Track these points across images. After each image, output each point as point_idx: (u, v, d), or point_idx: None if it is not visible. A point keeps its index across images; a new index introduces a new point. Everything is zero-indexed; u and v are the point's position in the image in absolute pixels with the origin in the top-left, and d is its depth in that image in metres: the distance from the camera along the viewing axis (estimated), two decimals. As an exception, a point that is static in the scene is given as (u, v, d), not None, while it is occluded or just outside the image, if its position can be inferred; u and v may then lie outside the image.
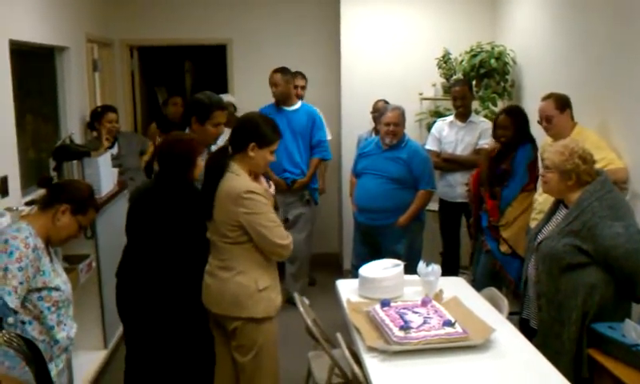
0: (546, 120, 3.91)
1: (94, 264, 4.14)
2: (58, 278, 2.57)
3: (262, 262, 2.97)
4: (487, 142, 5.03)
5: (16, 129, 4.04)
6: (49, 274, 2.50)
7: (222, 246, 2.98)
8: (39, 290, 2.47)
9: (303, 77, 5.96)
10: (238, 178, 2.93)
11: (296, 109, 5.41)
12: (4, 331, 2.22)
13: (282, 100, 5.34)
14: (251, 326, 2.97)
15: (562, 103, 3.88)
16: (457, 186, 5.16)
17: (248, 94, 6.22)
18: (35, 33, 4.44)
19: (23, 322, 2.43)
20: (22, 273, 2.37)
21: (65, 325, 2.60)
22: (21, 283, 2.37)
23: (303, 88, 5.93)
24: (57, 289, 2.52)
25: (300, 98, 5.91)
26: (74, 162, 4.10)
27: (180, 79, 8.77)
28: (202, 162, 3.20)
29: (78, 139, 5.02)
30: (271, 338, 3.05)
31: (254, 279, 2.95)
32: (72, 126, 5.08)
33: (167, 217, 3.16)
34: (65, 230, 2.61)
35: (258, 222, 2.88)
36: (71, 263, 3.82)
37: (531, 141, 4.25)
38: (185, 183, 3.18)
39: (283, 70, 5.35)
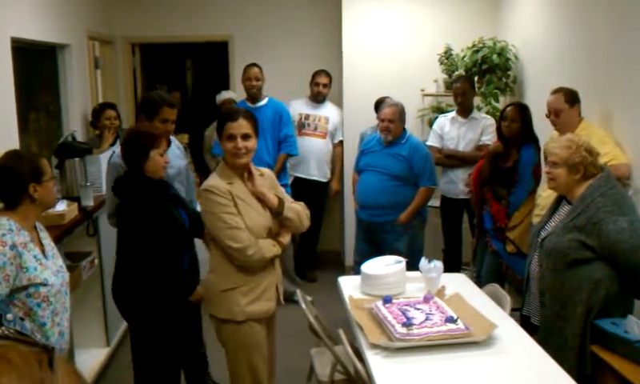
0: (554, 113, 3.90)
1: (96, 261, 4.15)
2: (47, 270, 2.51)
3: (228, 262, 2.88)
4: (489, 139, 5.03)
5: (18, 126, 4.04)
6: (34, 270, 2.45)
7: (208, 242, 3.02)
8: (25, 287, 2.43)
9: (327, 75, 5.97)
10: (211, 176, 2.95)
11: (262, 105, 5.38)
12: (3, 328, 2.22)
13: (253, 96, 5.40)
14: (219, 325, 2.97)
15: (572, 97, 3.88)
16: (459, 183, 5.15)
17: (249, 90, 6.21)
18: (36, 30, 4.44)
19: (22, 319, 2.42)
20: None
21: (60, 319, 2.56)
22: None
23: (325, 86, 5.94)
24: (44, 284, 2.47)
25: (324, 96, 5.93)
26: (76, 159, 4.11)
27: (181, 77, 8.78)
28: (160, 157, 3.15)
29: (81, 137, 5.03)
30: (242, 342, 2.93)
31: (220, 278, 2.92)
32: (74, 124, 5.09)
33: (122, 211, 3.21)
34: (49, 196, 2.58)
35: (210, 221, 2.85)
36: (73, 261, 3.82)
37: (534, 141, 4.24)
38: (139, 176, 3.13)
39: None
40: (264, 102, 5.42)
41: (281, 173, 5.38)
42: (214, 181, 2.88)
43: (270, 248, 2.90)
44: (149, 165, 3.11)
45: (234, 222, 2.81)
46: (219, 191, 2.82)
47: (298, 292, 3.45)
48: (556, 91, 3.94)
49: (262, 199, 2.93)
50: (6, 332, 2.19)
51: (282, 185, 5.34)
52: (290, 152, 5.45)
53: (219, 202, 2.81)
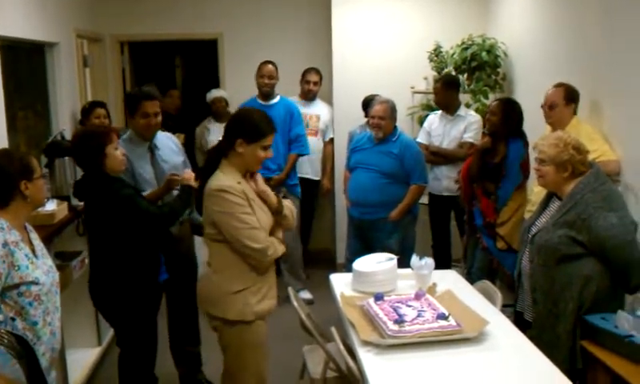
0: (549, 106, 3.93)
1: (86, 261, 4.12)
2: (38, 269, 2.49)
3: (239, 263, 2.85)
4: (471, 136, 5.06)
5: (7, 125, 4.01)
6: (25, 268, 2.44)
7: (207, 243, 2.96)
8: (17, 285, 2.41)
9: (317, 72, 6.00)
10: (219, 175, 2.86)
11: (274, 103, 5.36)
12: None
13: (266, 94, 5.36)
14: (225, 327, 2.92)
15: (571, 96, 3.91)
16: (442, 179, 5.20)
17: (240, 88, 6.18)
18: (24, 28, 4.41)
19: (13, 319, 2.40)
20: None
21: (51, 319, 2.55)
22: None
23: (316, 84, 5.97)
24: (35, 282, 2.45)
25: (314, 94, 5.94)
26: (66, 158, 4.08)
27: (171, 75, 8.74)
28: (116, 151, 3.14)
29: (70, 136, 4.99)
30: (249, 342, 2.92)
31: (229, 280, 2.87)
32: (63, 122, 5.05)
33: (89, 209, 3.26)
34: (39, 193, 2.58)
35: (227, 221, 2.79)
36: (64, 260, 3.80)
37: (521, 136, 4.25)
38: (100, 174, 3.12)
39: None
40: (276, 100, 5.40)
41: (291, 173, 5.38)
42: (228, 181, 2.81)
43: (278, 247, 2.92)
44: (108, 162, 3.10)
45: (252, 222, 2.79)
46: (235, 191, 2.78)
47: (290, 290, 3.44)
48: (558, 85, 3.96)
49: (264, 198, 2.92)
50: None
51: (292, 185, 5.39)
52: (301, 152, 5.44)
53: (237, 202, 2.78)
